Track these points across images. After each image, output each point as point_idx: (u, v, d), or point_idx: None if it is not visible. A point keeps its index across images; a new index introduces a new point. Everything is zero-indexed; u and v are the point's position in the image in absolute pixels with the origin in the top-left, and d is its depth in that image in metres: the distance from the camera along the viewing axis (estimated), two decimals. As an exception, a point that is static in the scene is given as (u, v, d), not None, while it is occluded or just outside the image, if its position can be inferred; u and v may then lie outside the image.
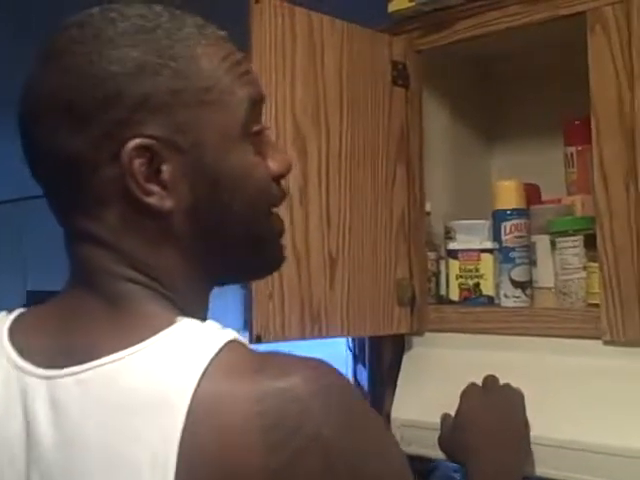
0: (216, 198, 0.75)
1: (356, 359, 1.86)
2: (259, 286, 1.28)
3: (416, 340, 1.54)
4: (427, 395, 1.41)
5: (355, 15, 1.47)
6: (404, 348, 1.55)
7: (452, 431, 1.23)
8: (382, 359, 1.61)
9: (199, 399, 0.65)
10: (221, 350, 0.68)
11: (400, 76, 1.52)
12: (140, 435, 0.65)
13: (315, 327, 1.37)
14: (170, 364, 0.67)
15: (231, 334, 0.71)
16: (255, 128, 0.77)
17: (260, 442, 0.64)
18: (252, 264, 0.83)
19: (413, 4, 1.48)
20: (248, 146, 0.77)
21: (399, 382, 1.49)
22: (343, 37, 1.43)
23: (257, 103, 0.78)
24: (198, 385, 0.65)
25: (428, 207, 1.59)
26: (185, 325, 0.71)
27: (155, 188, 0.72)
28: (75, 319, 0.75)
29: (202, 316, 0.77)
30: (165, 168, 0.72)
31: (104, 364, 0.69)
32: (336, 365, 0.71)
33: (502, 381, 1.27)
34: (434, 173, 1.62)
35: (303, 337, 1.35)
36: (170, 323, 0.71)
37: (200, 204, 0.74)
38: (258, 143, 0.78)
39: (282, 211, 1.28)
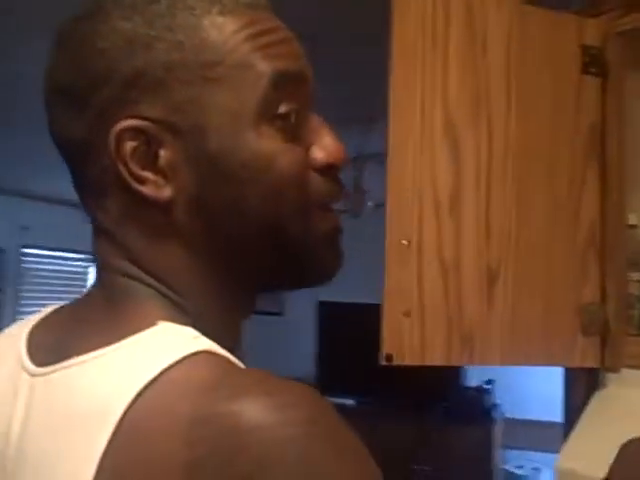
0: (226, 190, 0.63)
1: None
2: (392, 301, 1.14)
3: (610, 377, 1.28)
4: (606, 444, 1.15)
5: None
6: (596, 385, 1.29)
7: None
8: (574, 396, 1.36)
9: (130, 418, 0.54)
10: (180, 361, 0.56)
11: (594, 63, 1.29)
12: (72, 452, 0.57)
13: (465, 351, 1.18)
14: (119, 374, 0.58)
15: (205, 344, 0.59)
16: (283, 109, 0.63)
17: None
18: (284, 271, 0.68)
19: (605, -24, 1.24)
20: (271, 130, 0.63)
21: (578, 424, 1.25)
22: (513, 19, 1.24)
23: (288, 80, 0.64)
24: (134, 401, 0.55)
25: (634, 219, 1.32)
26: (159, 330, 0.61)
27: (150, 175, 0.62)
28: (78, 315, 0.69)
29: (225, 327, 0.66)
30: (163, 153, 0.62)
31: (68, 366, 0.61)
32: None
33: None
34: (645, 178, 1.35)
35: (449, 362, 1.18)
36: (149, 326, 0.61)
37: (206, 195, 0.63)
38: (294, 128, 0.65)
39: (427, 219, 1.16)
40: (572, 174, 1.27)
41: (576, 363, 1.26)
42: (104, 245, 0.67)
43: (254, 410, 0.52)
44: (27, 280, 5.88)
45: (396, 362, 1.14)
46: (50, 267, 6.01)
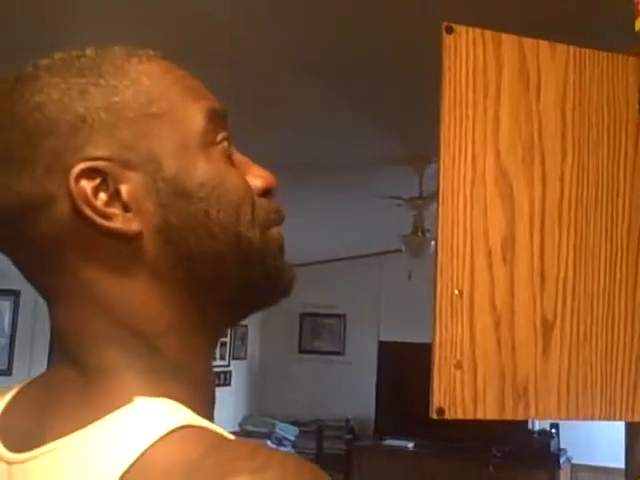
0: (189, 209, 0.65)
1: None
2: (443, 352, 1.11)
3: (674, 432, 1.22)
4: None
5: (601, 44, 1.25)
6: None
7: None
8: (635, 451, 1.31)
9: None
10: (157, 442, 0.55)
11: (653, 105, 1.25)
12: None
13: (520, 405, 1.15)
14: (95, 461, 0.56)
15: (180, 418, 0.57)
16: (220, 137, 0.68)
17: None
18: (249, 283, 0.69)
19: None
20: (217, 155, 0.67)
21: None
22: (568, 63, 1.21)
23: (218, 116, 0.68)
24: None
25: (699, 266, 1.27)
26: (134, 407, 0.59)
27: (116, 211, 0.62)
28: (51, 392, 0.66)
29: (195, 361, 0.66)
30: (124, 188, 0.63)
31: (45, 453, 0.59)
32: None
33: None
34: None
35: (502, 415, 1.14)
36: (124, 403, 0.59)
37: (171, 219, 0.64)
38: (230, 155, 0.69)
39: (479, 268, 1.13)
40: (632, 219, 1.23)
41: (637, 418, 1.21)
42: (68, 313, 0.65)
43: None
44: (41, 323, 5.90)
45: (448, 416, 1.11)
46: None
